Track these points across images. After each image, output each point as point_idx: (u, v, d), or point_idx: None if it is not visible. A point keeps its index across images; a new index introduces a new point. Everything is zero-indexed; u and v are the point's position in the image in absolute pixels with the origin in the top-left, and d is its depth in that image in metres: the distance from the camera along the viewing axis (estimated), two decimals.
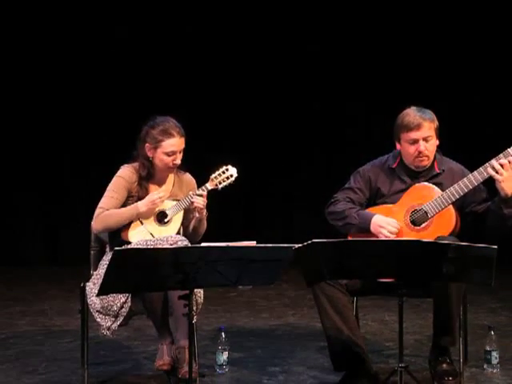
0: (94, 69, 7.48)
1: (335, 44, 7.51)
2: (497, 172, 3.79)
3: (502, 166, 3.79)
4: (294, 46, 7.51)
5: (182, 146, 4.08)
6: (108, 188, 4.10)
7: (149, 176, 4.10)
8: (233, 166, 4.14)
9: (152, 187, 4.13)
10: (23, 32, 7.41)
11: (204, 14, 7.49)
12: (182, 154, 4.09)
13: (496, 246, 3.26)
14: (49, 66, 7.48)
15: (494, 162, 3.81)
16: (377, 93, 7.42)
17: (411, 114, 3.96)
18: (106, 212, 4.03)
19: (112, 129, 7.42)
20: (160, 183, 4.15)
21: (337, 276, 3.66)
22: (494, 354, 4.11)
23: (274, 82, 7.58)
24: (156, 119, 4.10)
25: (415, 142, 3.92)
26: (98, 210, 4.05)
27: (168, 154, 4.05)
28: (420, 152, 3.92)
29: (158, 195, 4.03)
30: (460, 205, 3.93)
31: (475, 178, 3.86)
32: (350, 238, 3.94)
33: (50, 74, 7.49)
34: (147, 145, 4.07)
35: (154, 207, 4.03)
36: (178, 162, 4.09)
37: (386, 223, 3.89)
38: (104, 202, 4.06)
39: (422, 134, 3.91)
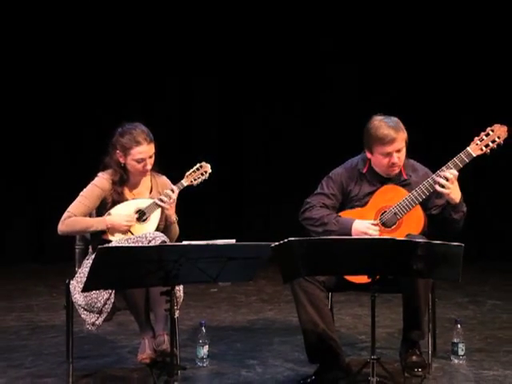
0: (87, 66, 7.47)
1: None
2: (443, 186, 3.92)
3: (447, 179, 3.91)
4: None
5: (151, 151, 4.16)
6: (81, 193, 4.17)
7: (122, 180, 4.19)
8: (207, 162, 4.25)
9: (127, 190, 4.22)
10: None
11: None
12: (152, 158, 4.19)
13: (463, 244, 3.40)
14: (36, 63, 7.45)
15: (439, 179, 3.93)
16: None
17: (383, 126, 4.02)
18: (74, 218, 4.10)
19: (98, 129, 7.43)
20: (135, 187, 4.25)
21: (312, 273, 3.76)
22: (461, 346, 4.25)
23: (240, 76, 7.62)
24: (124, 126, 4.19)
25: (389, 154, 4.02)
26: (66, 214, 4.12)
27: (138, 161, 4.15)
28: (393, 163, 4.04)
29: (127, 223, 4.11)
30: (424, 206, 4.05)
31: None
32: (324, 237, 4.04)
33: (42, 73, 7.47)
34: (118, 152, 4.17)
35: (120, 230, 4.11)
36: (149, 167, 4.18)
37: (367, 229, 3.97)
38: (74, 206, 4.14)
39: (395, 147, 4.01)
